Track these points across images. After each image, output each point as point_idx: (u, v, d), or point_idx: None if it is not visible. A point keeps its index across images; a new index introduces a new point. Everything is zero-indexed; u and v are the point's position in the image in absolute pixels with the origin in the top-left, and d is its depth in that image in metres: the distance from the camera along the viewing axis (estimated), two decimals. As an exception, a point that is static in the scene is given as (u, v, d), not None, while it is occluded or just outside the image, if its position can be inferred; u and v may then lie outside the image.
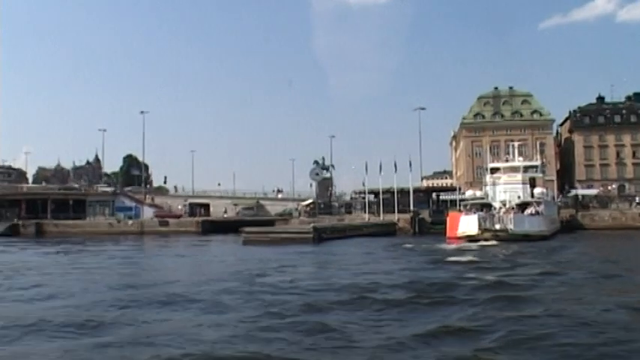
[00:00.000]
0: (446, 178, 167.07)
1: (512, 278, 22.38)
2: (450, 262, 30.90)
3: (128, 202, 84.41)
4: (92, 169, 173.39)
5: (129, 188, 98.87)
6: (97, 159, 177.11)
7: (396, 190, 70.37)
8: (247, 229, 54.73)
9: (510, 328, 12.73)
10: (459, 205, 65.79)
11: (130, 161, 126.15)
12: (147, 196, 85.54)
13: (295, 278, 23.84)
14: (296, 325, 13.62)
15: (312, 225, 53.99)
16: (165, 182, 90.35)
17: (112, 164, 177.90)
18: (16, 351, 11.92)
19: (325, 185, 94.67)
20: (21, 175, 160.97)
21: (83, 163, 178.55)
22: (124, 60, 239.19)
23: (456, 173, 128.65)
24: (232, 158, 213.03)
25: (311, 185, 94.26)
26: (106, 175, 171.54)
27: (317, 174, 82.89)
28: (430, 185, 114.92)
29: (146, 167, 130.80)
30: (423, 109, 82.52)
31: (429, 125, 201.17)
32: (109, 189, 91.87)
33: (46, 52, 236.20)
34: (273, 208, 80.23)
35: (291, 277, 24.14)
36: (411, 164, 72.20)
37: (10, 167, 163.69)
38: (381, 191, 70.97)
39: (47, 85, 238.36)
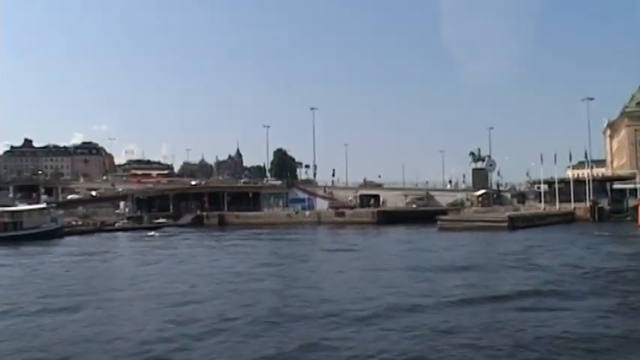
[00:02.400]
0: (592, 167, 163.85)
1: None
2: None
3: (301, 194, 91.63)
4: (234, 164, 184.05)
5: (276, 181, 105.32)
6: (238, 153, 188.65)
7: (572, 180, 72.93)
8: (442, 217, 60.18)
9: None
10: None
11: (281, 155, 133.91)
12: (326, 189, 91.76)
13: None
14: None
15: (507, 214, 57.98)
16: (333, 175, 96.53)
17: (250, 159, 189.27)
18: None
19: (481, 176, 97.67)
20: (170, 170, 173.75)
21: (225, 157, 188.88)
22: (254, 58, 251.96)
23: (612, 162, 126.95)
24: (378, 151, 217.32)
25: (464, 176, 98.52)
26: (247, 169, 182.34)
27: (490, 165, 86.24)
28: (580, 174, 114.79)
29: (294, 161, 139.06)
30: (591, 99, 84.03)
31: (565, 113, 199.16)
32: (277, 182, 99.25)
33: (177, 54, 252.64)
34: (443, 199, 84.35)
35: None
36: (586, 155, 75.10)
37: (159, 163, 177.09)
38: (556, 181, 73.67)
39: (185, 85, 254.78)
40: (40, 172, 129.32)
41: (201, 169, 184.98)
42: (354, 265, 29.82)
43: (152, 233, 63.84)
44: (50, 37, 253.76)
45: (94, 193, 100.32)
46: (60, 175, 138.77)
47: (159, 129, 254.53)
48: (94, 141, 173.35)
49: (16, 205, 66.72)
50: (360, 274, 25.10)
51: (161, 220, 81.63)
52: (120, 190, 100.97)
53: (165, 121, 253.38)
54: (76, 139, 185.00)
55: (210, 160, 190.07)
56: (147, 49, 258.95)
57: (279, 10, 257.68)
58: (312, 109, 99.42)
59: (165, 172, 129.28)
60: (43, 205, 64.95)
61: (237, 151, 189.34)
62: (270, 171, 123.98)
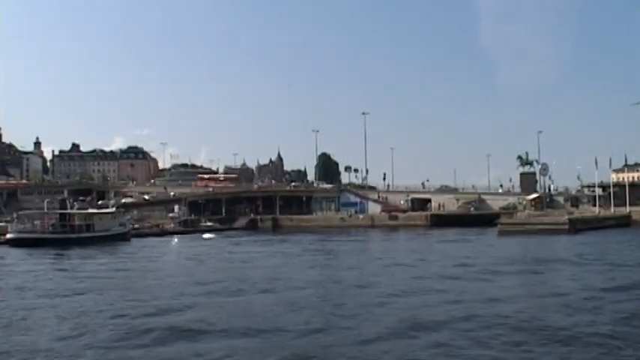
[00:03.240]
0: (637, 170, 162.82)
1: None
2: None
3: (353, 198, 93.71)
4: (275, 168, 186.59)
5: (326, 185, 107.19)
6: (279, 157, 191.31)
7: (627, 184, 73.83)
8: (502, 220, 61.53)
9: None
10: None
11: (325, 159, 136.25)
12: (379, 194, 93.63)
13: None
14: None
15: (567, 217, 59.12)
16: (384, 179, 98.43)
17: (290, 162, 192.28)
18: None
19: (529, 180, 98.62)
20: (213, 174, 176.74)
21: (265, 162, 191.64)
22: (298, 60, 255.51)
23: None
24: (422, 154, 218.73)
25: (510, 180, 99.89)
26: (287, 173, 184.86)
27: (544, 169, 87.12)
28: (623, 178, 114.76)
29: (337, 165, 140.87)
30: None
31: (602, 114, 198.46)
32: (327, 186, 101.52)
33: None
34: (494, 203, 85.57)
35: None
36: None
37: (202, 167, 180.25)
38: (611, 185, 74.63)
39: (227, 91, 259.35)
40: (108, 179, 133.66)
41: (243, 172, 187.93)
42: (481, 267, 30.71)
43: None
44: (90, 43, 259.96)
45: (146, 196, 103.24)
46: (107, 179, 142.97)
47: (198, 133, 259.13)
48: (135, 145, 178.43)
49: (86, 209, 69.41)
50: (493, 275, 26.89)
51: (208, 224, 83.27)
52: (172, 193, 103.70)
53: (205, 125, 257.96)
54: (117, 144, 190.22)
55: (251, 164, 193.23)
56: (186, 54, 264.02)
57: (319, 14, 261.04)
58: (363, 113, 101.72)
59: (233, 176, 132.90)
60: (113, 210, 67.77)
61: (279, 155, 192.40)
62: (316, 174, 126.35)
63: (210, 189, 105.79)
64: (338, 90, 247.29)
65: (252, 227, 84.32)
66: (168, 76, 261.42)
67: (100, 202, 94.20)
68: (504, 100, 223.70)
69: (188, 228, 79.59)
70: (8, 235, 52.75)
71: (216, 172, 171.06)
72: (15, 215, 77.08)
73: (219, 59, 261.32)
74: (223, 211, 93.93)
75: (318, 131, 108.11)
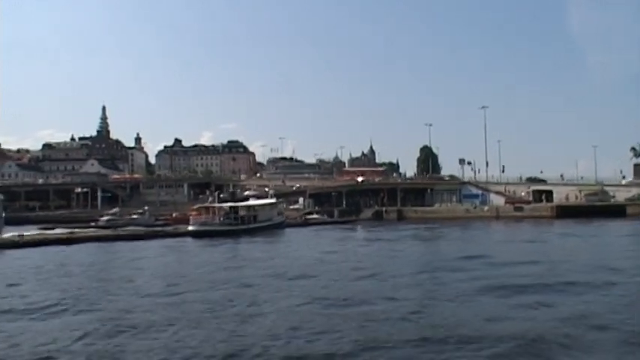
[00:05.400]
0: None
1: None
2: None
3: (475, 190, 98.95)
4: (367, 160, 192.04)
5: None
6: (371, 150, 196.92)
7: None
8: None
9: None
10: None
11: (426, 152, 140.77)
12: (506, 187, 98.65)
13: None
14: None
15: None
16: (503, 171, 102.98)
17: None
18: None
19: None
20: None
21: (359, 154, 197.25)
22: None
23: None
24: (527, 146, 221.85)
25: (621, 171, 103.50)
26: (379, 165, 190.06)
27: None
28: None
29: (437, 158, 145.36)
30: None
31: None
32: (446, 178, 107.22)
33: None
34: (617, 194, 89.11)
35: None
36: None
37: (296, 159, 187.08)
38: None
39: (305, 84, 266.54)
40: (213, 173, 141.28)
41: (336, 165, 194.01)
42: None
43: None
44: (181, 39, 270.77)
45: (267, 189, 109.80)
46: (210, 173, 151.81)
47: (284, 126, 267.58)
48: (222, 139, 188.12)
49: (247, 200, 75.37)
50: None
51: (315, 216, 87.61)
52: (297, 186, 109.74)
53: (291, 118, 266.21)
54: (206, 138, 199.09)
55: (343, 157, 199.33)
56: (278, 48, 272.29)
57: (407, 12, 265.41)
58: (482, 107, 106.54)
59: (380, 169, 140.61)
60: (274, 200, 74.37)
61: (371, 147, 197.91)
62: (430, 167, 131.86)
63: (362, 179, 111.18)
64: (437, 83, 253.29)
65: (377, 218, 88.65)
66: (258, 71, 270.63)
67: (219, 195, 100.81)
68: (596, 90, 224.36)
69: (327, 220, 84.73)
70: (190, 228, 58.68)
71: (314, 165, 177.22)
72: (146, 208, 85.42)
73: (314, 54, 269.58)
74: (344, 202, 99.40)
75: (431, 125, 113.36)
